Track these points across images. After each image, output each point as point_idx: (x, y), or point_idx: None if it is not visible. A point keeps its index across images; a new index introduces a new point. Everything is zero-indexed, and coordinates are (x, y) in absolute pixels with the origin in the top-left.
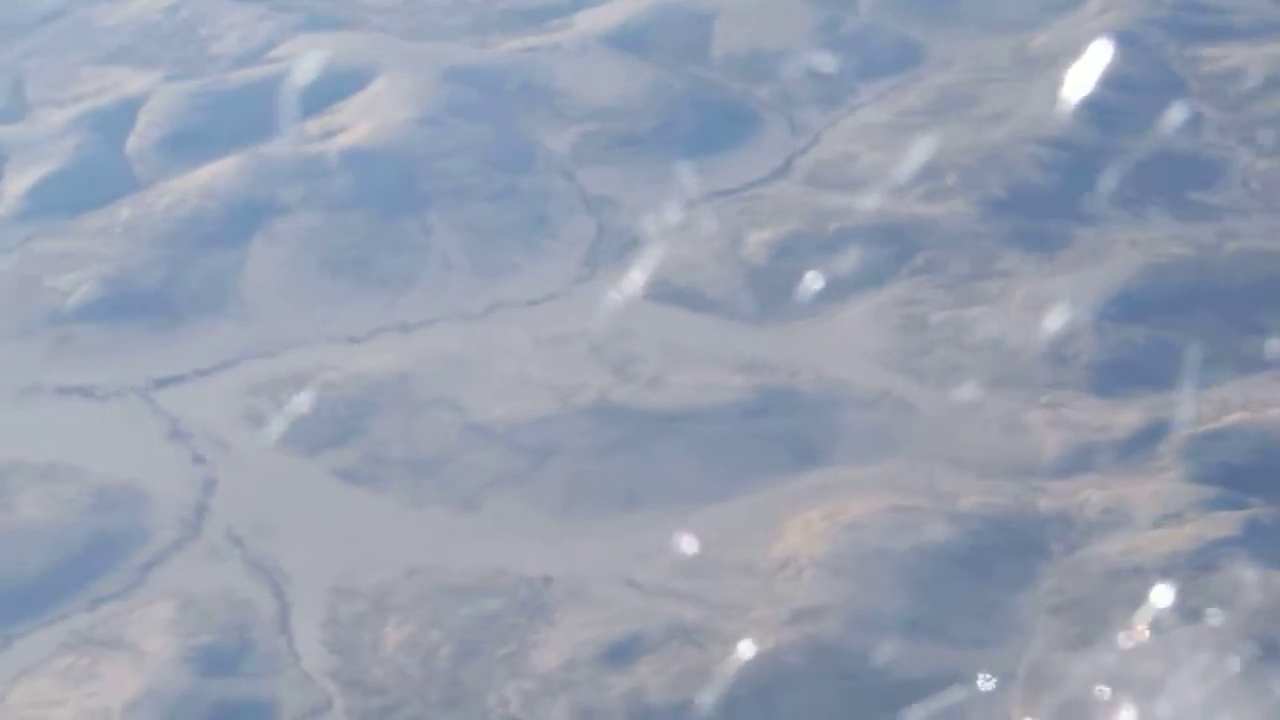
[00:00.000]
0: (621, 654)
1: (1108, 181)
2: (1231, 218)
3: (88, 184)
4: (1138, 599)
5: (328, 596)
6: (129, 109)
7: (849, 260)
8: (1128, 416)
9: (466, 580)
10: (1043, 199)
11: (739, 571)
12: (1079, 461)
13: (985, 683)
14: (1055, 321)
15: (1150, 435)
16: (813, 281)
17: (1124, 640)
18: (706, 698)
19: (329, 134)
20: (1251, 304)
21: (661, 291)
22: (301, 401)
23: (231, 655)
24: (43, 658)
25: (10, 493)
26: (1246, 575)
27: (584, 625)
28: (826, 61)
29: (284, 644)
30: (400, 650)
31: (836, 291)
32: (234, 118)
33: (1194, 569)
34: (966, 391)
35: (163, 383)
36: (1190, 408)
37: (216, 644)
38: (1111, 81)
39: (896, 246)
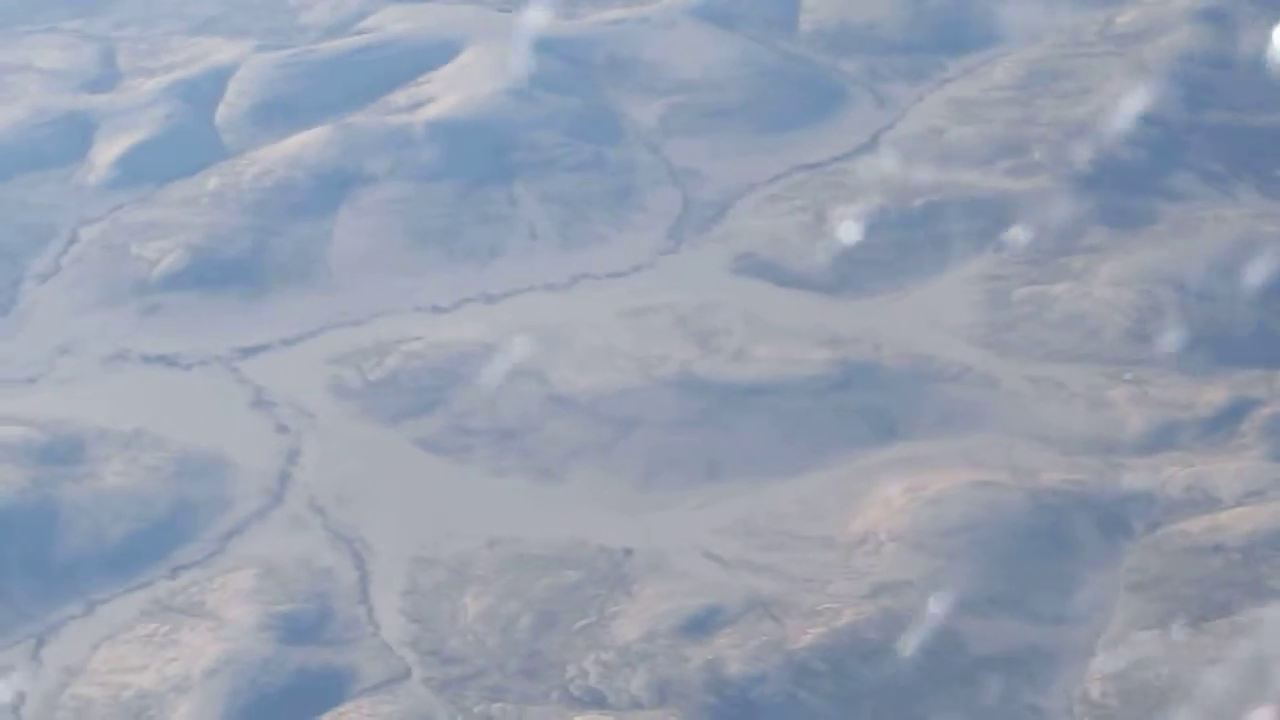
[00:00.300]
0: (700, 626)
1: (1195, 158)
2: None
3: (176, 153)
4: (1219, 577)
5: (408, 566)
6: (219, 78)
7: (934, 235)
8: (1212, 394)
9: (546, 551)
10: (1129, 175)
11: (818, 545)
12: (1162, 438)
13: None
14: (1140, 298)
15: (1234, 413)
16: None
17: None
18: (783, 670)
19: (417, 105)
20: None
21: (746, 265)
22: (385, 371)
23: (311, 623)
24: (125, 624)
25: (95, 460)
26: None
27: (663, 597)
28: (913, 36)
29: (363, 613)
30: (479, 620)
31: (921, 266)
32: (323, 88)
33: (1275, 548)
34: (1049, 367)
35: (247, 351)
36: (1275, 386)
37: (296, 612)
38: (1200, 57)
39: (982, 222)
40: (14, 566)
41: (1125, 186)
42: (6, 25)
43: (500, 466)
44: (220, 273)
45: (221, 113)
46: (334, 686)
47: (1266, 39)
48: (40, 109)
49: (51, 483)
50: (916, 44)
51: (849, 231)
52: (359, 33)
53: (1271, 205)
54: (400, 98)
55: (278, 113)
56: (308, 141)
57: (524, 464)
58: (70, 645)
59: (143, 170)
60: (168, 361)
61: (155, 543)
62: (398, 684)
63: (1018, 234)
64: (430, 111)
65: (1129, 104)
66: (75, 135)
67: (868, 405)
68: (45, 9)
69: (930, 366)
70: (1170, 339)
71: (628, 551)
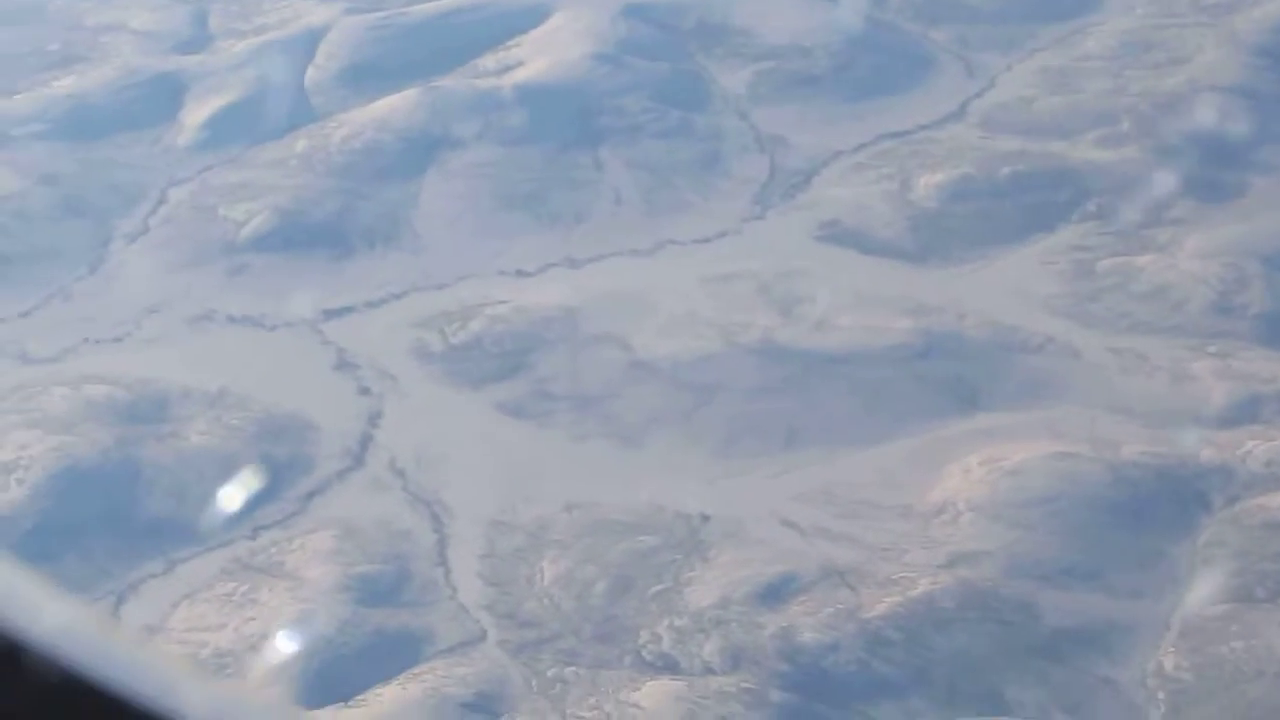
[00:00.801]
0: (775, 594)
1: None
2: None
3: (265, 115)
4: None
5: (486, 529)
6: (309, 40)
7: (1020, 205)
8: None
9: (624, 516)
10: (1219, 147)
11: (896, 514)
12: (1244, 412)
13: None
14: (1225, 271)
15: None
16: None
17: None
18: (856, 639)
19: (505, 69)
20: None
21: (831, 232)
22: (468, 334)
23: (389, 585)
24: (204, 582)
25: (179, 420)
26: None
27: (739, 564)
28: (1005, 5)
29: (441, 575)
30: (555, 584)
31: (1006, 236)
32: (412, 51)
33: None
34: (1133, 339)
35: (332, 313)
36: None
37: (375, 574)
38: None
39: (1068, 192)
40: (96, 524)
41: (1214, 159)
42: None
43: (581, 432)
44: (306, 235)
45: (311, 75)
46: (410, 648)
47: None
48: (132, 70)
49: (135, 441)
50: (1008, 12)
51: (934, 200)
52: None
53: None
54: (489, 61)
55: (367, 75)
56: (395, 105)
57: (604, 429)
58: (150, 603)
59: (232, 132)
60: (253, 322)
61: (237, 502)
62: (473, 646)
63: (1104, 205)
64: (518, 75)
65: (1220, 75)
66: (166, 96)
67: (949, 375)
68: None
69: (1013, 337)
70: (1255, 312)
71: (705, 518)
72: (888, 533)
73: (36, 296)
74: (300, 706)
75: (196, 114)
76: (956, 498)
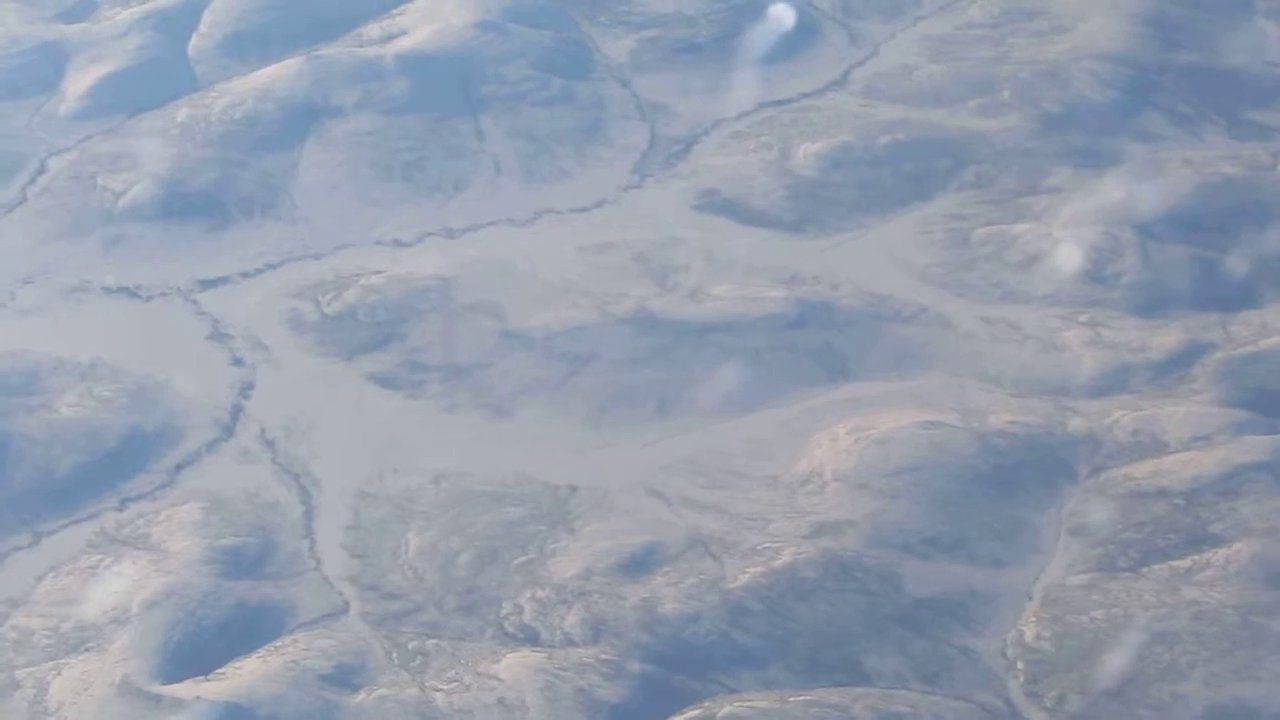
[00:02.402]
0: (639, 564)
1: (1165, 99)
2: None
3: (148, 84)
4: (1160, 522)
5: (353, 501)
6: (194, 9)
7: (898, 174)
8: (1165, 337)
9: (491, 487)
10: (1098, 115)
11: (762, 484)
12: (1113, 382)
13: None
14: (1100, 239)
15: (1186, 357)
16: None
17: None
18: (717, 610)
19: (389, 37)
20: None
21: (709, 202)
22: (342, 305)
23: (254, 558)
24: (69, 555)
25: (50, 391)
26: (1270, 500)
27: (604, 535)
28: None
29: (306, 548)
30: (420, 556)
31: (884, 205)
32: (296, 20)
33: (1218, 494)
34: (1005, 308)
35: (208, 284)
36: (1229, 330)
37: (240, 546)
38: None
39: (947, 161)
40: None
41: (1093, 127)
42: None
43: (451, 403)
44: (185, 205)
45: (194, 44)
46: (272, 620)
47: None
48: (14, 38)
49: (4, 414)
50: None
51: (812, 169)
52: None
53: (1238, 148)
54: (373, 30)
55: (250, 44)
56: (277, 74)
57: (475, 400)
58: (15, 577)
59: (114, 101)
60: (129, 293)
61: (105, 474)
62: (335, 619)
63: (982, 174)
64: (401, 44)
65: (1102, 44)
66: (48, 65)
67: (821, 345)
68: None
69: (886, 306)
70: (1127, 281)
71: (572, 488)
72: (754, 502)
73: None
74: (157, 680)
75: (78, 83)
76: (823, 467)
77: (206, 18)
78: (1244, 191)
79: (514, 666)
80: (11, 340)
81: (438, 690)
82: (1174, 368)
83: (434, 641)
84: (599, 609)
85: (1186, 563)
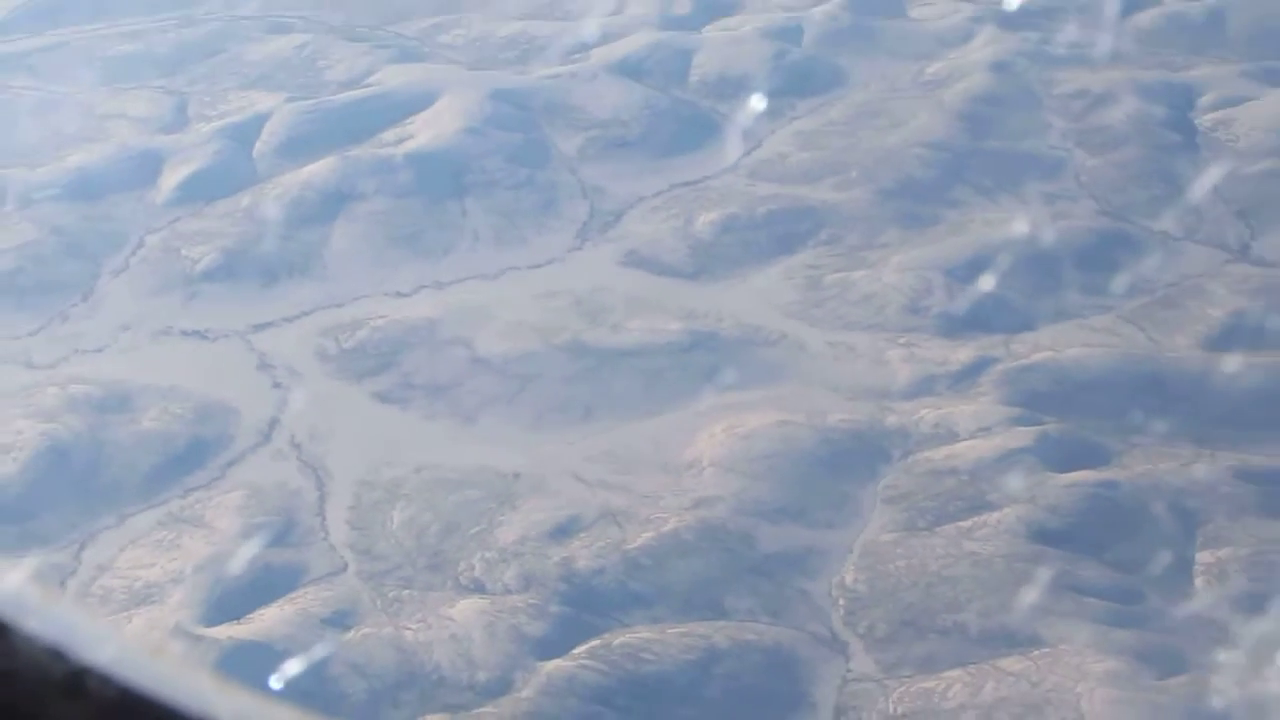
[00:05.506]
0: (562, 531)
1: (972, 175)
2: (1064, 203)
3: (221, 179)
4: (951, 493)
5: (355, 487)
6: (257, 123)
7: (771, 234)
8: (961, 354)
9: (457, 475)
10: (922, 188)
11: (659, 469)
12: (922, 387)
13: None
14: (917, 281)
15: (977, 369)
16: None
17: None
18: (619, 565)
19: (400, 140)
20: (1066, 266)
21: (631, 259)
22: (356, 341)
23: (279, 531)
24: (144, 532)
25: (137, 409)
26: (1034, 476)
27: (538, 510)
28: (773, 85)
29: (318, 523)
30: (401, 528)
31: (759, 258)
32: (333, 128)
33: (996, 471)
34: (846, 335)
35: (258, 327)
36: (1010, 348)
37: (269, 523)
38: (984, 98)
39: (807, 224)
40: (67, 489)
41: (918, 197)
42: (111, 82)
43: (432, 412)
44: (244, 268)
45: (257, 148)
46: (289, 578)
47: (1037, 84)
48: (126, 146)
49: (103, 427)
50: (775, 90)
51: (708, 233)
52: (367, 86)
53: (1027, 210)
54: (389, 135)
55: (299, 147)
56: (317, 170)
57: (449, 410)
58: (103, 549)
59: (196, 192)
60: (200, 335)
61: (174, 471)
62: (336, 576)
63: (833, 234)
64: (409, 145)
65: (927, 134)
66: (149, 165)
67: (707, 364)
68: (142, 69)
69: (756, 334)
70: (935, 312)
71: (516, 475)
72: (651, 484)
73: (43, 319)
74: (201, 624)
75: (171, 179)
76: (703, 456)
77: (266, 129)
78: (1025, 245)
79: (465, 610)
80: (113, 371)
81: (407, 629)
82: (967, 377)
83: (408, 592)
84: (530, 565)
85: (969, 523)
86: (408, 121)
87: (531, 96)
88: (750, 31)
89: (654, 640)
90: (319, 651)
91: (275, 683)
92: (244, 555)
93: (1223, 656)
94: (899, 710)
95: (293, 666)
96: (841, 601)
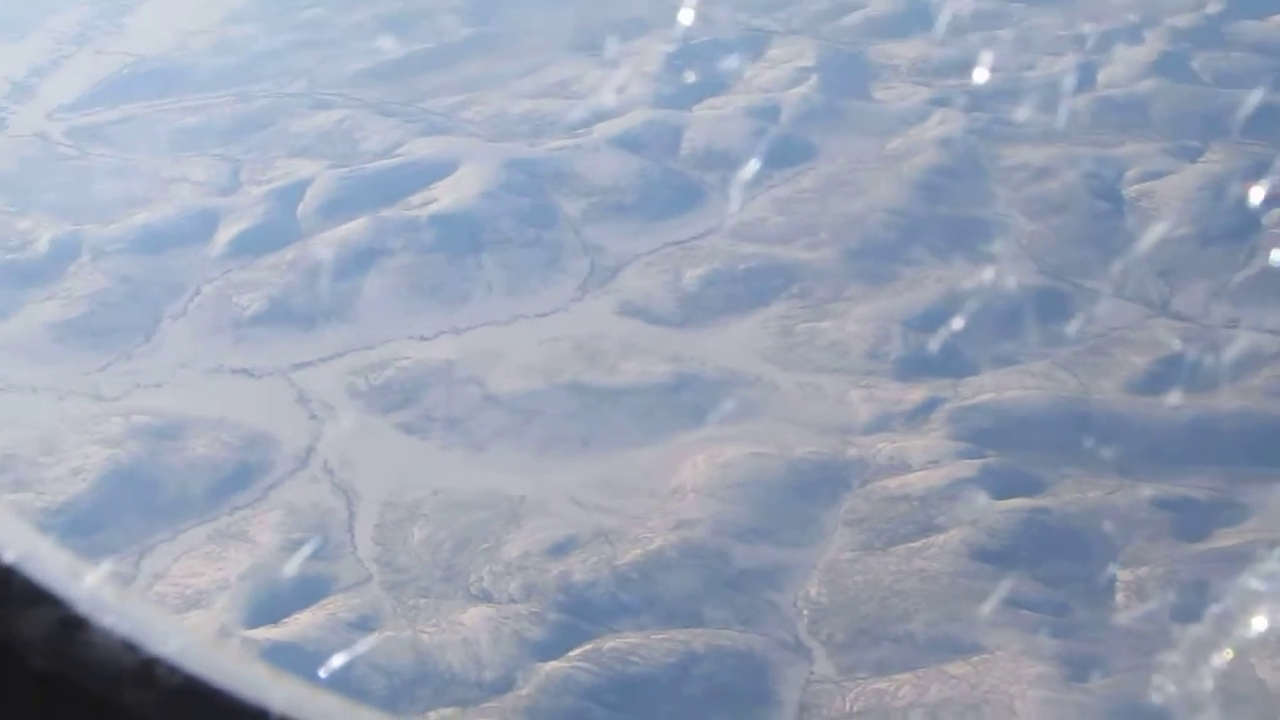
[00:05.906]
0: (561, 548)
1: (927, 237)
2: (1007, 263)
3: (269, 236)
4: (904, 517)
5: (380, 508)
6: (300, 187)
7: (749, 288)
8: (915, 394)
9: (469, 498)
10: (883, 248)
11: (647, 494)
12: (880, 424)
13: None
14: (877, 330)
15: (928, 407)
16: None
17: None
18: (610, 578)
19: (425, 203)
20: (1008, 318)
21: (626, 309)
22: (383, 379)
23: (314, 546)
24: (195, 545)
25: (190, 438)
26: (977, 503)
27: (539, 529)
28: (754, 157)
29: (348, 539)
30: (420, 544)
31: (739, 309)
32: (367, 193)
33: (943, 498)
34: (814, 377)
35: (298, 366)
36: (958, 389)
37: (304, 538)
38: (938, 169)
39: (781, 280)
40: (130, 507)
41: (880, 256)
42: (175, 150)
43: (448, 442)
44: (287, 315)
45: (300, 209)
46: (321, 587)
47: (985, 158)
48: (186, 206)
49: (161, 453)
50: (756, 161)
51: (695, 286)
52: (397, 155)
53: (974, 269)
54: (416, 199)
55: (337, 208)
56: (352, 228)
57: (464, 441)
58: (159, 560)
59: (246, 247)
60: (247, 373)
61: (223, 492)
62: (362, 586)
63: (804, 289)
64: (433, 208)
65: (888, 201)
66: (206, 223)
67: (691, 402)
68: (202, 139)
69: (735, 376)
70: (893, 357)
71: (522, 498)
72: (640, 507)
73: (110, 357)
74: (243, 627)
75: (225, 236)
76: (686, 483)
77: (309, 192)
78: (973, 299)
79: (474, 616)
80: (170, 404)
81: (424, 633)
82: (919, 415)
83: (424, 600)
84: (531, 578)
85: (919, 544)
86: (432, 187)
87: (541, 165)
88: (734, 110)
89: (640, 645)
90: (352, 651)
91: (322, 673)
92: (282, 566)
93: (1141, 661)
94: (855, 708)
95: (337, 660)
96: (806, 612)
